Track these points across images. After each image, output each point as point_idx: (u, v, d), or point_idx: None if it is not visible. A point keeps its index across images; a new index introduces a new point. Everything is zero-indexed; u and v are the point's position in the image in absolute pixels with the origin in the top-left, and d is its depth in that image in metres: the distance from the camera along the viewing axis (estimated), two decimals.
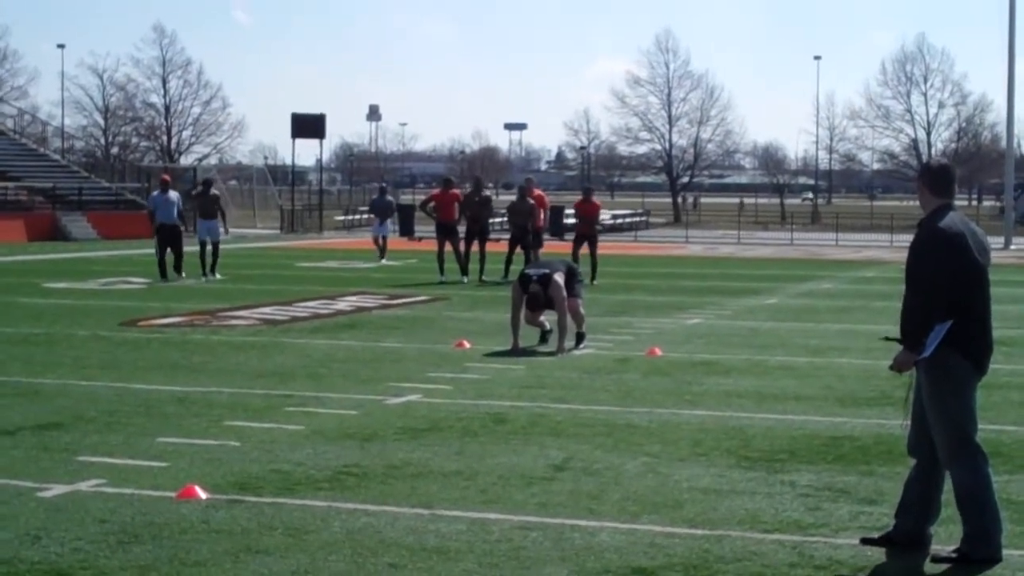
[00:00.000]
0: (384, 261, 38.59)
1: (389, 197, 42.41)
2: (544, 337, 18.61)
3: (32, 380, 14.95)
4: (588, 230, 32.33)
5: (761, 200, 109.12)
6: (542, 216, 32.31)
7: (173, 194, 32.17)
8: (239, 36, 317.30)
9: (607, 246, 52.48)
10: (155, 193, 32.82)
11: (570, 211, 33.35)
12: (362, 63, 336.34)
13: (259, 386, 14.65)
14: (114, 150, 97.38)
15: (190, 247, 32.48)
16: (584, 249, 31.47)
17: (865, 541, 8.40)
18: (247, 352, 17.67)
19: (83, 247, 47.49)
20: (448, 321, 22.16)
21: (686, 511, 9.21)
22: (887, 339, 8.54)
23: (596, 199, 33.28)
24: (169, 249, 31.29)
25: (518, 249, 31.21)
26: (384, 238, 39.89)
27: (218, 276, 31.62)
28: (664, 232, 70.20)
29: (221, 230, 32.69)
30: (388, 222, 40.89)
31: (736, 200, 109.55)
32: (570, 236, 41.30)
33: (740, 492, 9.79)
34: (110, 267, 35.77)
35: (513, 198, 33.40)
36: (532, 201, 31.54)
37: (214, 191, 34.01)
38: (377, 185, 48.36)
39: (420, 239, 52.16)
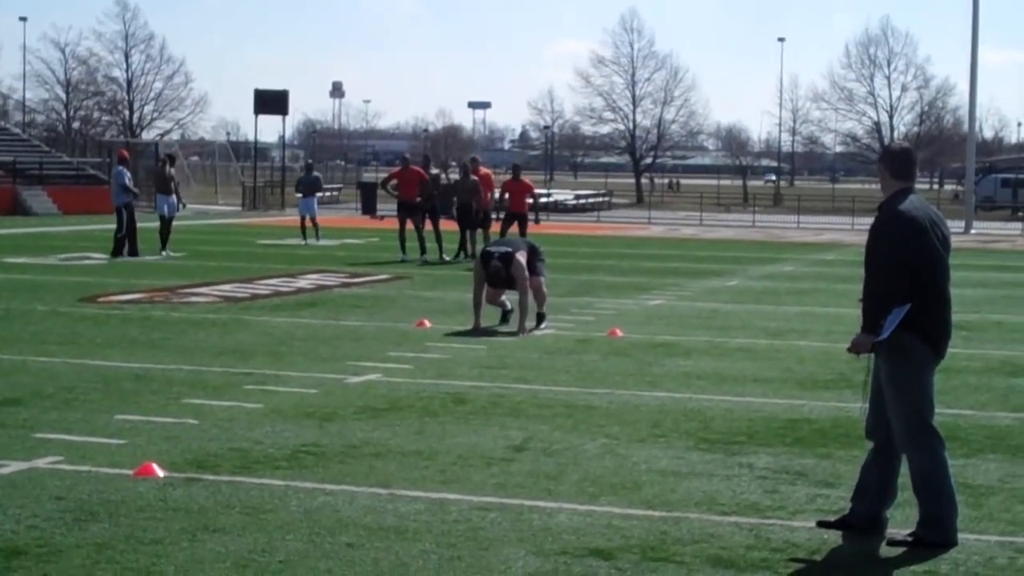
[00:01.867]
0: (312, 240, 37.08)
1: (316, 173, 40.45)
2: (505, 317, 18.58)
3: (3, 358, 14.86)
4: (519, 209, 31.76)
5: (724, 182, 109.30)
6: (488, 196, 32.16)
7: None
8: (202, 11, 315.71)
9: (570, 226, 52.53)
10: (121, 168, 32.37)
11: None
12: (326, 40, 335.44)
13: (218, 364, 14.60)
14: (75, 124, 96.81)
15: (147, 224, 32.26)
16: (514, 228, 31.25)
17: (822, 524, 8.44)
18: (207, 329, 17.61)
19: (43, 222, 47.22)
20: (409, 300, 22.13)
21: (644, 493, 9.23)
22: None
23: (526, 178, 32.77)
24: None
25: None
26: (312, 217, 38.09)
27: (169, 252, 31.39)
28: (627, 213, 70.22)
29: (177, 204, 32.64)
30: (315, 200, 38.78)
31: (700, 182, 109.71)
32: (532, 217, 41.24)
33: (698, 474, 9.82)
34: (70, 242, 35.58)
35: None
36: (476, 179, 31.58)
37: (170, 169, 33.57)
38: (304, 162, 46.78)
39: (382, 217, 52.08)
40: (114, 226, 31.40)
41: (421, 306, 20.74)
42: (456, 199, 32.07)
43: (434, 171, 32.57)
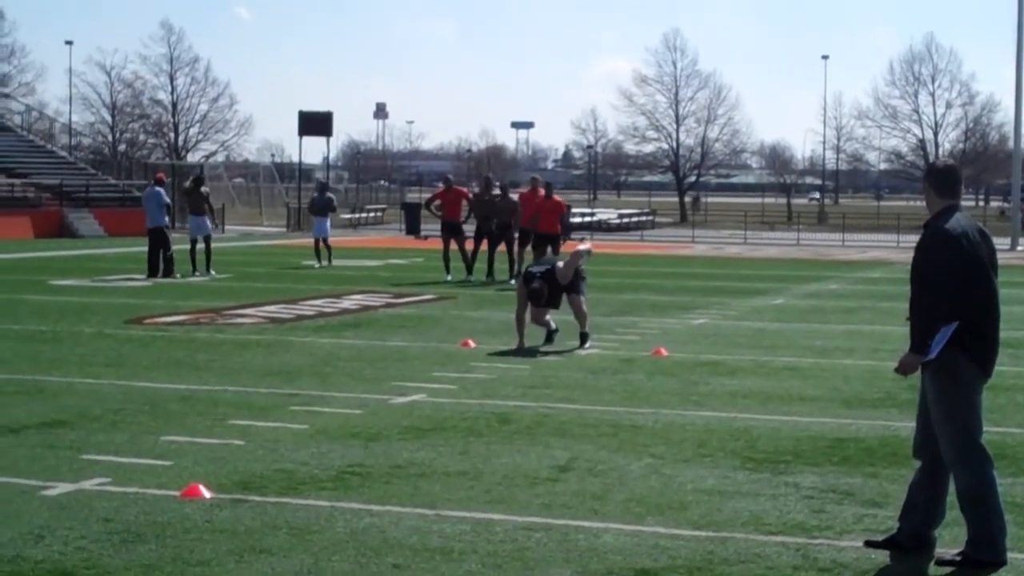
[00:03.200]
0: (322, 264, 35.71)
1: (329, 194, 39.01)
2: (550, 337, 18.61)
3: (37, 378, 14.96)
4: (550, 230, 29.83)
5: (768, 200, 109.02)
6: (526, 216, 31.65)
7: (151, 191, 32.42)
8: (245, 33, 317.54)
9: (614, 245, 52.49)
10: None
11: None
12: (370, 61, 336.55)
13: (264, 385, 14.65)
14: (121, 147, 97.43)
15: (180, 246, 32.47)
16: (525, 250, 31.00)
17: (869, 544, 8.39)
18: (252, 350, 17.67)
19: (90, 244, 47.50)
20: (454, 320, 22.14)
21: (690, 513, 9.20)
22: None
23: (557, 197, 31.38)
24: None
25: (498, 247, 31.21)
26: (325, 239, 36.44)
27: (213, 273, 31.68)
28: (670, 232, 70.14)
29: (211, 225, 32.91)
30: (328, 222, 37.16)
31: (743, 200, 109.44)
32: (578, 236, 41.14)
33: (744, 494, 9.78)
34: (116, 264, 35.77)
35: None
36: (515, 198, 31.48)
37: (204, 188, 33.89)
38: (318, 182, 45.46)
39: (426, 238, 52.17)
40: (180, 248, 31.79)
41: (465, 326, 20.75)
42: (496, 219, 31.60)
43: (495, 192, 32.23)
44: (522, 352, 17.64)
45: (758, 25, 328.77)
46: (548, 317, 18.65)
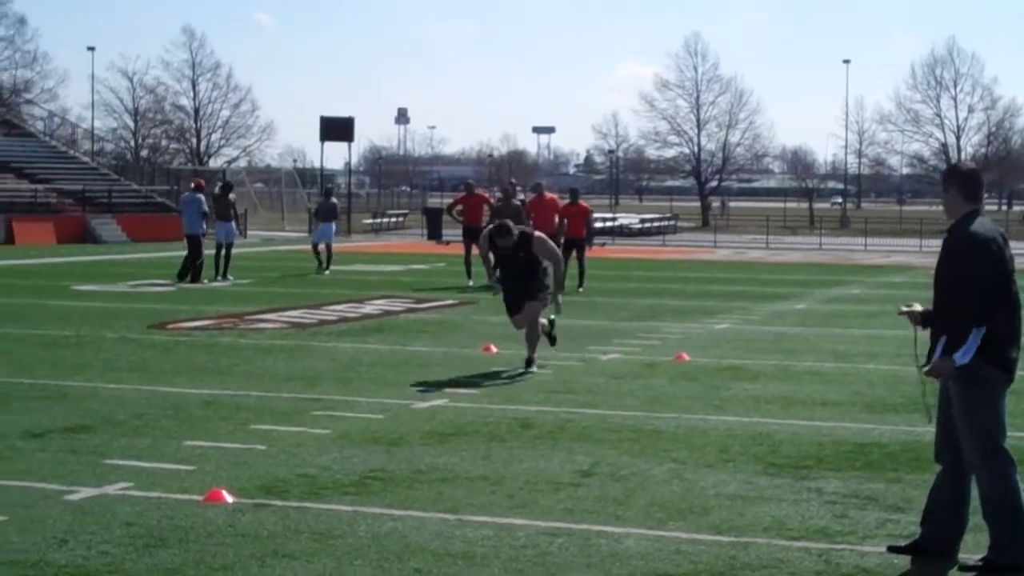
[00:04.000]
0: (327, 272, 35.07)
1: (334, 200, 38.44)
2: (551, 337, 17.60)
3: (61, 383, 15.01)
4: (577, 235, 30.26)
5: (790, 204, 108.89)
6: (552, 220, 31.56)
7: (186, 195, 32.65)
8: (267, 39, 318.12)
9: (635, 250, 52.50)
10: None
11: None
12: (391, 67, 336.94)
13: (286, 389, 14.67)
14: (144, 153, 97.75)
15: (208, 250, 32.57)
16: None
17: (892, 549, 8.37)
18: (275, 355, 17.70)
19: (112, 249, 47.62)
20: (475, 325, 22.15)
21: (712, 517, 9.19)
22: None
23: (583, 202, 31.61)
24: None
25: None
26: (328, 245, 36.05)
27: (231, 278, 31.82)
28: (692, 236, 70.05)
29: (236, 230, 33.08)
30: (333, 227, 36.81)
31: (765, 205, 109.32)
32: (599, 240, 41.13)
33: (767, 499, 9.77)
34: (139, 270, 35.87)
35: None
36: (518, 203, 31.45)
37: (232, 195, 34.09)
38: (323, 187, 45.03)
39: (447, 243, 52.21)
40: (185, 253, 31.87)
41: (487, 331, 20.74)
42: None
43: (520, 197, 32.22)
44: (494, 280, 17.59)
45: (779, 29, 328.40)
46: (543, 320, 17.28)
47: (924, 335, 8.33)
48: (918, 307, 8.41)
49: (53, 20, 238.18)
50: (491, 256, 17.53)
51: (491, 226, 17.72)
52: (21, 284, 30.43)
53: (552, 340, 17.66)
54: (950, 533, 8.27)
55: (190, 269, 31.47)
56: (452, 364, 17.01)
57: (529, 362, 16.60)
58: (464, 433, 12.19)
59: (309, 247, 37.78)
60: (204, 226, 31.80)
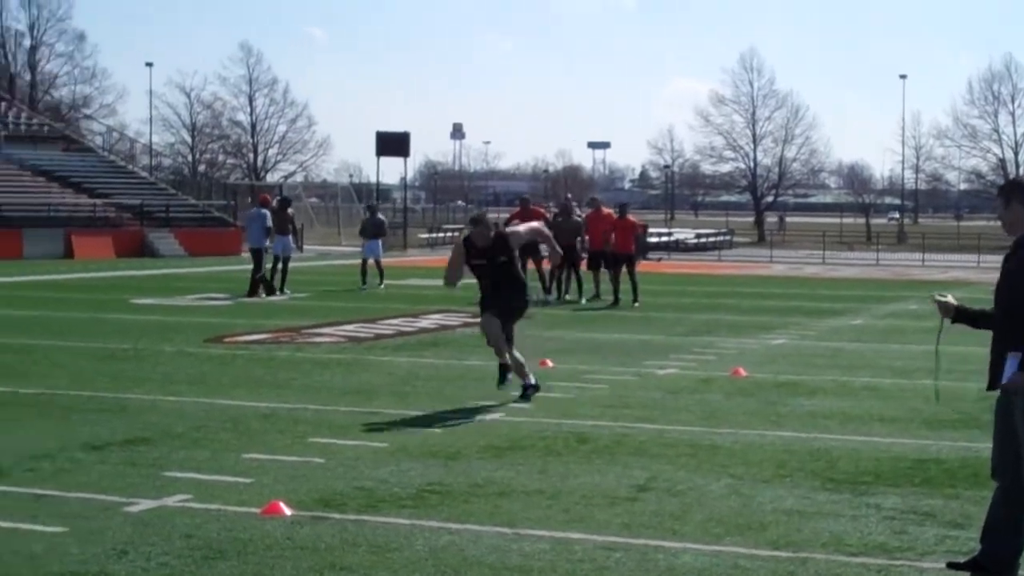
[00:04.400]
0: (381, 287, 34.67)
1: (381, 216, 37.78)
2: (504, 376, 15.64)
3: (120, 395, 15.12)
4: (625, 249, 30.47)
5: (846, 220, 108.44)
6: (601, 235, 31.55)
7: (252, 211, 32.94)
8: (323, 55, 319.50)
9: (691, 265, 52.38)
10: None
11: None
12: (446, 82, 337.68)
13: (343, 403, 14.73)
14: (201, 167, 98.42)
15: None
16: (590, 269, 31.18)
17: (951, 565, 8.32)
18: (332, 369, 17.77)
19: (170, 263, 47.95)
20: (530, 339, 22.09)
21: (770, 533, 9.16)
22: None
23: (632, 217, 31.76)
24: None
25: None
26: (377, 260, 35.49)
27: (288, 292, 32.02)
28: (748, 251, 69.85)
29: (293, 245, 33.30)
30: (380, 243, 36.19)
31: (821, 220, 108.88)
32: (655, 255, 41.10)
33: (825, 514, 9.72)
34: (197, 283, 36.09)
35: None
36: (579, 219, 31.52)
37: (290, 210, 34.31)
38: (366, 204, 44.73)
39: None
40: (249, 267, 32.14)
41: (543, 346, 20.72)
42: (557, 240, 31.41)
43: (576, 217, 32.24)
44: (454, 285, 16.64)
45: (835, 44, 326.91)
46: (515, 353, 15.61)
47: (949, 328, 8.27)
48: (952, 300, 8.41)
49: (112, 36, 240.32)
50: (462, 268, 16.15)
51: (467, 228, 16.05)
52: (80, 298, 30.68)
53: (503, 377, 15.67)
54: (1010, 550, 8.21)
55: (255, 282, 31.78)
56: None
57: (528, 387, 15.27)
58: (520, 447, 12.20)
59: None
60: (268, 241, 32.08)
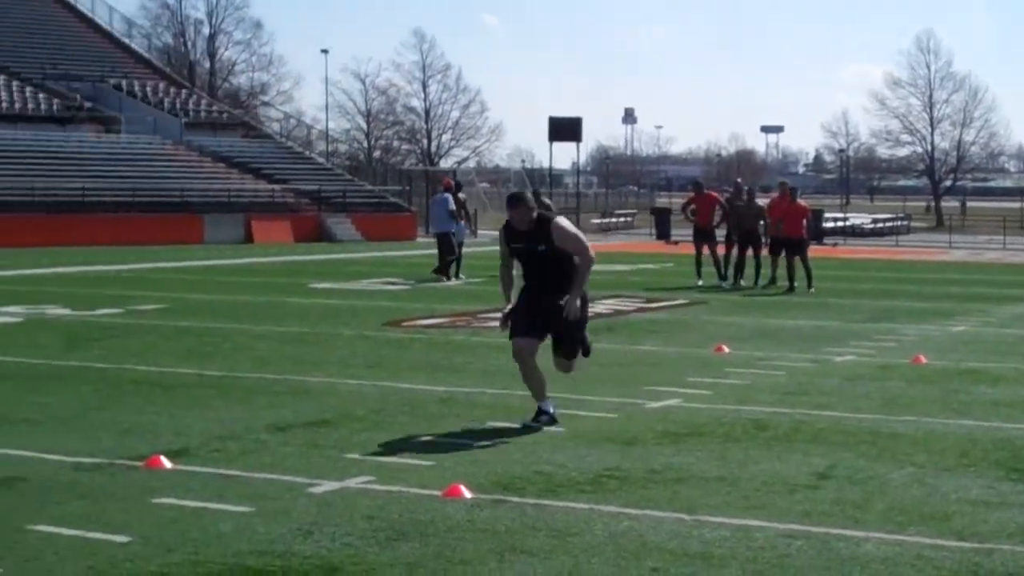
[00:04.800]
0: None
1: (547, 200, 36.81)
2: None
3: (302, 378, 15.37)
4: (795, 234, 29.83)
5: None
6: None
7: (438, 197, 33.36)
8: (495, 40, 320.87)
9: (868, 250, 51.67)
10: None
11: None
12: (618, 66, 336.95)
13: (519, 387, 14.73)
14: (376, 153, 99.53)
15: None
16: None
17: None
18: (507, 353, 17.80)
19: (347, 248, 48.61)
20: (707, 325, 22.06)
21: (954, 523, 9.01)
22: None
23: (802, 201, 31.17)
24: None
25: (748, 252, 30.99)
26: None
27: (463, 277, 32.35)
28: (926, 237, 68.72)
29: (466, 230, 33.74)
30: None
31: (1002, 205, 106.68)
32: (831, 240, 40.71)
33: (1011, 504, 9.54)
34: (373, 268, 36.53)
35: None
36: (761, 204, 31.28)
37: (461, 195, 34.62)
38: (531, 191, 44.26)
39: (677, 243, 52.06)
40: (428, 252, 32.65)
41: (719, 331, 20.65)
42: (739, 224, 31.24)
43: (760, 202, 32.01)
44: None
45: (1015, 24, 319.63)
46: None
47: None
48: None
49: (288, 23, 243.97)
50: (511, 275, 13.02)
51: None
52: (260, 282, 31.26)
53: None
54: None
55: (445, 265, 32.17)
56: (684, 364, 16.96)
57: (540, 412, 12.50)
58: (698, 433, 12.16)
59: None
60: (452, 225, 32.47)
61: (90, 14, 79.24)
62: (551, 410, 12.50)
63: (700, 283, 30.62)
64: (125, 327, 21.14)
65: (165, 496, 9.48)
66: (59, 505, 9.25)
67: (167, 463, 10.54)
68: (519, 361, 12.55)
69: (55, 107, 65.21)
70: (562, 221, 12.57)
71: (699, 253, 31.48)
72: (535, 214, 12.40)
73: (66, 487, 9.81)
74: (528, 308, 12.58)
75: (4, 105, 63.12)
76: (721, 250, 31.35)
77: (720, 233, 31.66)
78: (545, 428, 12.22)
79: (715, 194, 33.54)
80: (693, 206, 32.49)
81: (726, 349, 18.29)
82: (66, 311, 23.61)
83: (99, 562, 7.85)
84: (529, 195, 12.70)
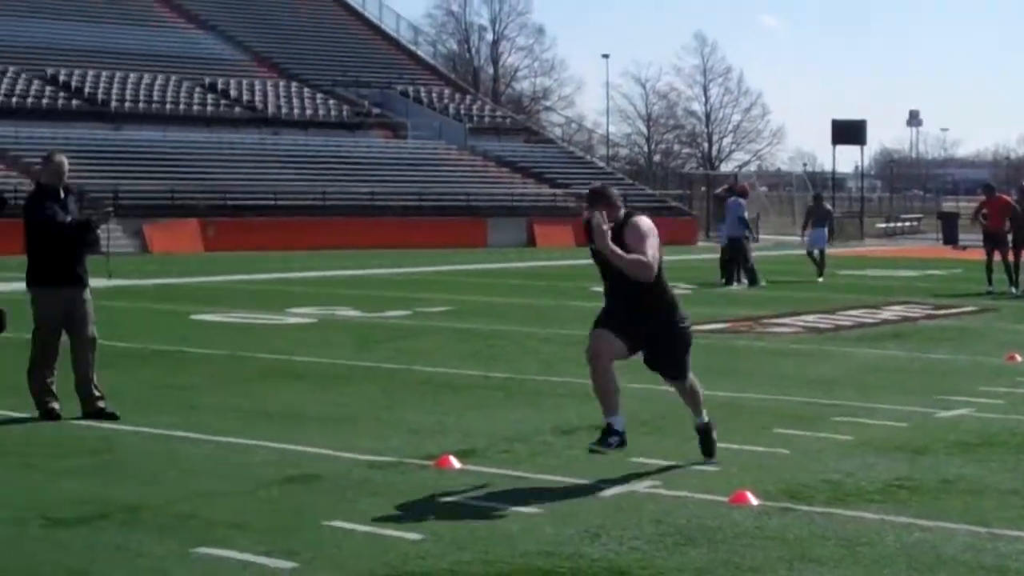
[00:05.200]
0: (820, 279, 34.09)
1: (827, 206, 37.55)
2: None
3: (584, 381, 15.32)
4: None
5: None
6: None
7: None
8: (776, 42, 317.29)
9: None
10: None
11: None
12: (902, 69, 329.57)
13: (803, 394, 14.65)
14: (656, 157, 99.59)
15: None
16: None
17: None
18: (791, 359, 17.70)
19: None
20: (998, 333, 21.49)
21: None
22: None
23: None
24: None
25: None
26: (821, 251, 35.14)
27: (744, 282, 32.19)
28: None
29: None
30: (825, 232, 35.63)
31: None
32: None
33: None
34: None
35: None
36: None
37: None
38: (812, 194, 44.19)
39: (965, 248, 50.84)
40: (716, 256, 32.66)
41: (1011, 339, 20.09)
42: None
43: None
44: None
45: None
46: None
47: None
48: None
49: (569, 29, 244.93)
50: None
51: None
52: (542, 286, 31.59)
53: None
54: None
55: (733, 273, 32.06)
56: (975, 373, 16.55)
57: (610, 432, 10.54)
58: (991, 444, 11.85)
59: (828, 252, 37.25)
60: (745, 230, 32.32)
61: (378, 22, 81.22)
62: (622, 428, 10.50)
63: (991, 289, 29.80)
64: (412, 328, 21.60)
65: (455, 495, 9.67)
66: (352, 502, 9.52)
67: (456, 463, 10.75)
68: (593, 362, 10.89)
69: (345, 113, 66.96)
70: (641, 219, 10.62)
71: (990, 258, 30.64)
72: (622, 213, 10.57)
73: (359, 484, 10.09)
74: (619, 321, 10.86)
75: (296, 112, 65.09)
76: (1011, 256, 30.46)
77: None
78: (826, 437, 12.06)
79: (1007, 198, 32.59)
80: (985, 210, 31.66)
81: (1019, 358, 17.77)
82: (356, 313, 24.23)
83: (392, 558, 8.06)
84: (614, 191, 10.81)
